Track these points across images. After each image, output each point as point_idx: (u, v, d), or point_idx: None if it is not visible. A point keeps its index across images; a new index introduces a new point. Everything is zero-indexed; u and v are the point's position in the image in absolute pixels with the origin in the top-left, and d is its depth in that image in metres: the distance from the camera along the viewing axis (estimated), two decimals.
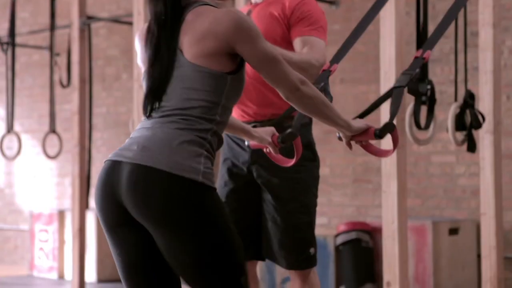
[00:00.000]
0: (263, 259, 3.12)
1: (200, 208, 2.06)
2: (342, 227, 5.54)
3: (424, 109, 4.85)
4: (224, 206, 2.15)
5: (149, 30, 2.21)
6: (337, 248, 5.51)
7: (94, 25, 7.73)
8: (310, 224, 2.96)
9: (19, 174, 8.97)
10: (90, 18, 6.73)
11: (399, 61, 4.16)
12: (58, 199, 8.52)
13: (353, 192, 6.35)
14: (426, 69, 4.72)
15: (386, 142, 4.04)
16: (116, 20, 7.49)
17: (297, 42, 2.96)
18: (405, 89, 2.48)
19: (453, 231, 5.40)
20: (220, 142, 2.19)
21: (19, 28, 8.35)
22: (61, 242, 7.55)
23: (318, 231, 5.91)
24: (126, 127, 7.58)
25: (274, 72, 2.14)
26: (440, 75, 5.96)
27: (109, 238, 2.17)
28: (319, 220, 6.55)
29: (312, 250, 3.02)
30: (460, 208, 5.87)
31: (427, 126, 4.88)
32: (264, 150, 2.51)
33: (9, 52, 7.58)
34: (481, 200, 4.52)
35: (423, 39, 4.77)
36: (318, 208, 2.92)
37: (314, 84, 2.57)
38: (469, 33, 5.26)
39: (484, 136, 4.51)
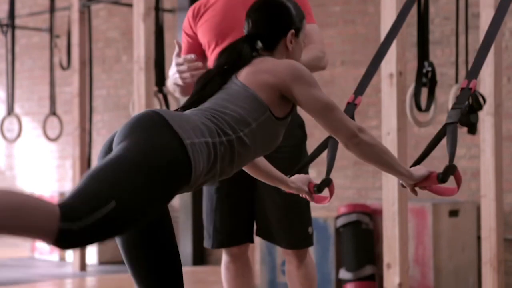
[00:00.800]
0: (252, 241, 3.10)
1: (162, 157, 1.97)
2: (343, 209, 5.55)
3: (424, 91, 4.84)
4: (172, 192, 2.02)
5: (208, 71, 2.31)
6: (337, 230, 5.52)
7: (94, 7, 7.70)
8: (308, 203, 2.98)
9: (20, 157, 8.97)
10: (90, 0, 6.71)
11: (400, 43, 4.14)
12: (59, 182, 8.53)
13: (353, 174, 6.36)
14: (427, 50, 4.70)
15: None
16: (116, 2, 7.47)
17: None
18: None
19: (453, 213, 5.41)
20: (231, 160, 2.14)
21: (19, 10, 8.32)
22: None
23: (319, 213, 5.92)
24: (126, 109, 7.58)
25: (331, 120, 2.19)
26: (441, 57, 5.95)
27: None
28: None
29: (310, 229, 3.06)
30: (460, 190, 5.86)
31: (427, 108, 4.87)
32: (300, 195, 2.59)
33: (9, 34, 7.57)
34: (482, 182, 4.52)
35: (424, 21, 4.75)
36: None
37: None
38: (470, 15, 5.24)
39: (484, 118, 4.50)
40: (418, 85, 4.74)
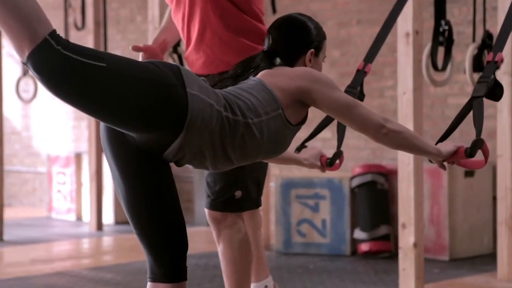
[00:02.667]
0: (233, 210, 2.87)
1: (162, 81, 1.99)
2: (358, 170, 5.55)
3: (441, 50, 4.80)
4: (159, 114, 1.99)
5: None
6: (352, 191, 5.53)
7: None
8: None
9: (36, 117, 9.01)
10: None
11: (416, 1, 4.09)
12: (75, 142, 8.57)
13: None
14: (444, 9, 4.65)
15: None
16: None
17: None
18: None
19: (469, 173, 5.40)
20: (233, 140, 2.11)
21: None
22: (79, 184, 7.62)
23: (334, 174, 5.92)
24: None
25: (355, 118, 2.21)
26: (458, 16, 5.88)
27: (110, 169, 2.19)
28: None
29: (238, 193, 2.82)
30: None
31: (444, 68, 4.83)
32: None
33: None
34: (498, 142, 4.49)
35: None
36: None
37: (349, 88, 2.70)
38: None
39: (502, 78, 4.46)
40: (435, 44, 4.70)
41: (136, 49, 2.82)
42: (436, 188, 5.30)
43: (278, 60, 2.34)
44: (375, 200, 5.43)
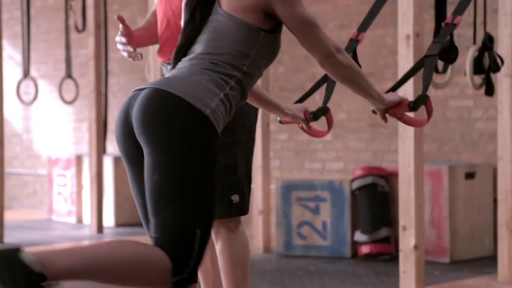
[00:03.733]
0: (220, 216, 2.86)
1: (196, 139, 2.05)
2: (358, 172, 5.54)
3: None
4: (216, 158, 2.09)
5: None
6: (353, 193, 5.52)
7: None
8: (234, 168, 2.76)
9: (37, 119, 9.01)
10: None
11: (417, 3, 4.09)
12: (76, 144, 8.57)
13: (369, 137, 6.34)
14: (444, 11, 4.65)
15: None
16: None
17: None
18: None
19: (470, 175, 5.39)
20: (243, 95, 2.19)
21: None
22: (79, 186, 7.62)
23: (334, 176, 5.91)
24: (142, 72, 7.57)
25: (310, 37, 2.16)
26: None
27: (126, 167, 2.20)
28: (336, 164, 6.57)
29: (235, 197, 2.78)
30: (476, 152, 5.84)
31: (444, 70, 4.83)
32: (298, 126, 2.56)
33: None
34: (499, 144, 4.49)
35: None
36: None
37: None
38: None
39: (502, 80, 4.46)
40: None
41: (121, 20, 2.83)
42: (437, 190, 5.30)
43: None
44: (375, 203, 5.43)
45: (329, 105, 2.98)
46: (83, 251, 1.93)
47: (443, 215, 5.28)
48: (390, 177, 5.50)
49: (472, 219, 5.39)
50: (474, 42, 4.90)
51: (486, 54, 4.66)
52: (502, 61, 4.42)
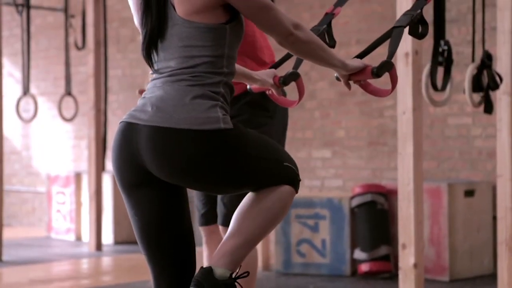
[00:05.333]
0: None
1: (229, 152, 2.10)
2: (358, 190, 5.54)
3: (440, 70, 4.80)
4: (250, 133, 2.18)
5: None
6: (352, 211, 5.51)
7: None
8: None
9: (36, 137, 9.01)
10: None
11: None
12: (75, 162, 8.57)
13: (368, 155, 6.34)
14: (443, 29, 4.66)
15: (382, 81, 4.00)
16: None
17: None
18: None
19: (469, 193, 5.38)
20: (232, 91, 2.20)
21: None
22: (78, 204, 7.61)
23: (334, 194, 5.91)
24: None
25: (266, 19, 2.13)
26: (457, 36, 5.89)
27: (126, 198, 2.18)
28: (335, 182, 6.56)
29: None
30: (476, 170, 5.84)
31: (443, 88, 4.84)
32: (267, 92, 2.53)
33: (24, 14, 7.57)
34: (498, 162, 4.49)
35: None
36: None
37: (317, 26, 2.58)
38: None
39: (501, 97, 4.46)
40: (434, 64, 4.71)
41: (142, 92, 2.82)
42: (436, 208, 5.29)
43: None
44: (375, 220, 5.42)
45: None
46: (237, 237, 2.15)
47: (442, 233, 5.27)
48: (390, 195, 5.50)
49: (471, 237, 5.38)
50: (473, 60, 4.91)
51: (485, 72, 4.66)
52: (501, 79, 4.43)
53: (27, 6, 7.53)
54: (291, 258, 5.60)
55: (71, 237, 7.64)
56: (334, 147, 6.42)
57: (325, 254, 5.52)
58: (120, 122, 2.16)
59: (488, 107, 4.70)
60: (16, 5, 7.52)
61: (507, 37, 4.39)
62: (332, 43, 2.61)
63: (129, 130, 2.12)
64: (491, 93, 4.68)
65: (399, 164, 4.16)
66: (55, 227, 7.84)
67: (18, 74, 8.80)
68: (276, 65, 2.60)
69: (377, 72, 2.26)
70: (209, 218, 3.10)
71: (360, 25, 6.48)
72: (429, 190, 5.24)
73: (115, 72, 8.08)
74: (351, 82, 2.33)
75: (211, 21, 2.12)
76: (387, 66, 2.27)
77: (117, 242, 7.26)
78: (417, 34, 2.41)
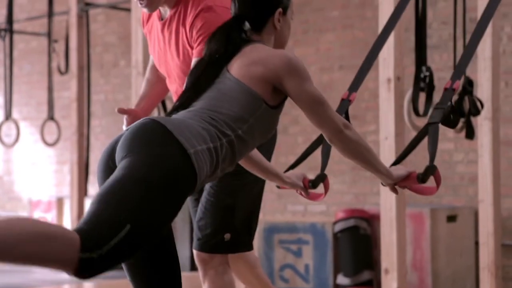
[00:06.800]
0: (219, 252, 2.90)
1: (168, 171, 1.99)
2: (341, 215, 5.54)
3: (422, 96, 4.84)
4: (181, 203, 2.04)
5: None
6: (335, 235, 5.52)
7: (92, 12, 7.70)
8: (232, 209, 2.81)
9: (18, 162, 8.96)
10: (88, 4, 6.71)
11: (398, 48, 4.14)
12: (57, 187, 8.52)
13: (351, 180, 6.35)
14: (425, 55, 4.70)
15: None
16: (114, 7, 7.46)
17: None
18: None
19: (451, 218, 5.41)
20: (232, 159, 2.17)
21: (17, 14, 8.32)
22: None
23: (317, 218, 5.91)
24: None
25: (319, 114, 2.19)
26: (438, 62, 5.94)
27: None
28: (318, 207, 6.56)
29: (227, 236, 2.82)
30: (458, 195, 5.87)
31: (425, 113, 4.87)
32: (296, 191, 2.58)
33: (7, 39, 7.56)
34: (479, 187, 4.51)
35: (422, 26, 4.75)
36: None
37: None
38: (468, 19, 5.24)
39: (482, 123, 4.50)
40: (416, 90, 4.74)
41: (122, 111, 2.82)
42: (419, 233, 5.30)
43: (247, 25, 2.29)
44: (358, 245, 5.42)
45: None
46: None
47: (425, 258, 5.28)
48: (372, 220, 5.51)
49: (454, 262, 5.39)
50: None
51: (466, 98, 4.70)
52: (482, 105, 4.47)
53: (10, 31, 7.52)
54: (274, 283, 5.58)
55: None
56: (317, 172, 6.43)
57: (308, 279, 5.51)
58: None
59: (470, 132, 4.73)
60: None
61: (488, 63, 4.44)
62: None
63: (115, 139, 2.13)
64: (472, 118, 4.72)
65: (382, 189, 4.18)
66: None
67: (0, 99, 8.77)
68: (295, 164, 2.64)
69: (423, 178, 2.29)
70: (205, 245, 2.92)
71: (343, 51, 6.53)
72: (412, 215, 5.26)
73: (98, 97, 8.07)
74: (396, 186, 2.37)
75: (256, 89, 2.17)
76: (431, 171, 2.30)
77: None
78: (450, 123, 2.44)
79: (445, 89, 2.49)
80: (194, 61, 2.69)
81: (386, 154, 4.15)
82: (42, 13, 8.06)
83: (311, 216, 6.47)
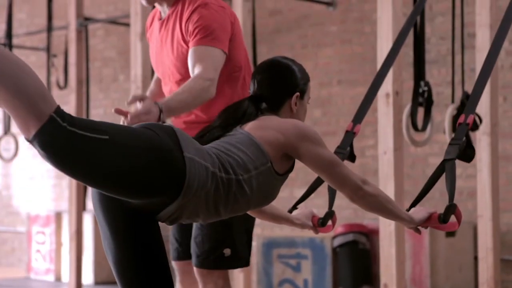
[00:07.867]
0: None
1: (161, 151, 2.01)
2: (339, 229, 5.54)
3: (421, 111, 4.84)
4: (160, 183, 2.02)
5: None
6: (334, 250, 5.51)
7: (91, 26, 7.72)
8: (229, 224, 2.81)
9: (16, 176, 8.95)
10: (87, 19, 6.73)
11: (396, 63, 4.15)
12: (55, 201, 8.51)
13: None
14: (423, 70, 4.72)
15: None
16: (113, 22, 7.48)
17: (189, 56, 2.79)
18: None
19: (450, 233, 5.40)
20: (225, 201, 2.14)
21: (16, 29, 8.34)
22: (58, 244, 7.54)
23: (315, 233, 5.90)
24: None
25: (336, 175, 2.23)
26: (437, 77, 5.96)
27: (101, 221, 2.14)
28: None
29: (227, 251, 2.85)
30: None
31: (424, 128, 4.88)
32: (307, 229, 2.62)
33: None
34: (478, 202, 4.51)
35: (420, 41, 4.77)
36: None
37: (339, 149, 2.70)
38: (466, 34, 5.25)
39: (481, 138, 4.50)
40: (415, 105, 4.75)
41: (119, 112, 2.83)
42: (418, 248, 5.29)
43: (264, 105, 2.34)
44: (357, 260, 5.41)
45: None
46: None
47: (424, 273, 5.27)
48: (371, 235, 5.50)
49: (453, 277, 5.38)
50: (453, 101, 4.96)
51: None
52: (481, 120, 4.47)
53: (9, 45, 7.54)
54: None
55: (51, 277, 7.55)
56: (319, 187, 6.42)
57: None
58: None
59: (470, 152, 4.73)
60: None
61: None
62: (352, 158, 2.74)
63: None
64: (471, 133, 4.72)
65: None
66: (34, 267, 7.76)
67: None
68: (299, 201, 2.65)
69: (444, 219, 2.31)
70: (180, 253, 3.02)
71: (341, 65, 6.54)
72: (410, 230, 5.25)
73: (97, 112, 8.08)
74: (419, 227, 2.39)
75: (266, 149, 2.19)
76: (452, 210, 2.33)
77: (97, 282, 7.18)
78: (466, 158, 2.45)
79: (459, 124, 2.48)
80: (191, 51, 2.75)
81: (385, 169, 4.15)
82: (41, 28, 8.09)
83: (309, 231, 6.46)
